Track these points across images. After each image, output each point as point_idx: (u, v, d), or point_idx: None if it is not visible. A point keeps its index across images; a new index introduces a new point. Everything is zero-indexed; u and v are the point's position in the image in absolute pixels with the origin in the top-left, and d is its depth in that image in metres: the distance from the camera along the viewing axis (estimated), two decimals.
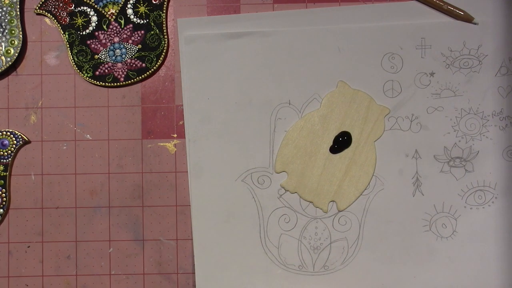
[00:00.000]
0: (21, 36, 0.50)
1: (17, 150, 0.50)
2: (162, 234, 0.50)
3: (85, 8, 0.50)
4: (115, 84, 0.50)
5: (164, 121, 0.51)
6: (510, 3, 0.50)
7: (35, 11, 0.50)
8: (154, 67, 0.50)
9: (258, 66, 0.50)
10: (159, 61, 0.50)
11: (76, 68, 0.50)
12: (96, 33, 0.50)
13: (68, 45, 0.50)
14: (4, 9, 0.50)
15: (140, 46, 0.50)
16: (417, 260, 0.49)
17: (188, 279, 0.50)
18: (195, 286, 0.49)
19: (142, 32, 0.50)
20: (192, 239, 0.50)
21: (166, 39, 0.50)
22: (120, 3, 0.50)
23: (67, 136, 0.50)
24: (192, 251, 0.50)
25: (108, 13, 0.50)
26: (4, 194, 0.50)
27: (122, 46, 0.50)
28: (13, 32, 0.50)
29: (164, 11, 0.50)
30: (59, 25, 0.50)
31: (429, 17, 0.50)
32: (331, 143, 0.50)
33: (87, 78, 0.50)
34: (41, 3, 0.50)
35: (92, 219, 0.50)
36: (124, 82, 0.50)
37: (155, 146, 0.50)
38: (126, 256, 0.50)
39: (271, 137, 0.50)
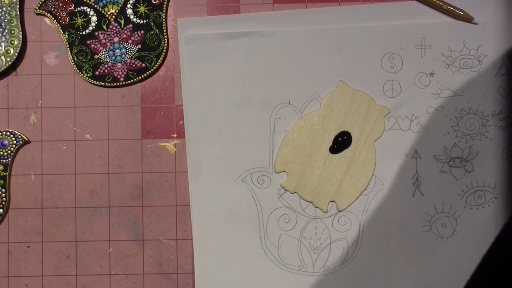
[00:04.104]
0: (21, 36, 0.50)
1: (17, 150, 0.50)
2: (162, 234, 0.50)
3: (85, 8, 0.50)
4: (115, 84, 0.50)
5: (164, 121, 0.51)
6: (510, 3, 0.50)
7: (35, 11, 0.50)
8: (154, 67, 0.50)
9: (258, 66, 0.50)
10: (159, 61, 0.50)
11: (76, 68, 0.50)
12: (96, 33, 0.50)
13: (68, 45, 0.50)
14: (4, 9, 0.50)
15: (140, 46, 0.50)
16: (417, 260, 0.49)
17: (188, 279, 0.50)
18: (194, 286, 0.49)
19: (142, 32, 0.50)
20: (192, 239, 0.50)
21: (166, 39, 0.50)
22: (120, 3, 0.50)
23: (67, 136, 0.50)
24: (192, 251, 0.50)
25: (108, 13, 0.50)
26: (4, 194, 0.50)
27: (122, 46, 0.50)
28: (13, 32, 0.50)
29: (164, 11, 0.50)
30: (59, 25, 0.50)
31: (429, 17, 0.50)
32: (331, 143, 0.50)
33: (87, 78, 0.50)
34: (41, 3, 0.50)
35: (92, 219, 0.50)
36: (124, 82, 0.50)
37: (155, 146, 0.50)
38: (126, 256, 0.50)
39: (271, 137, 0.50)
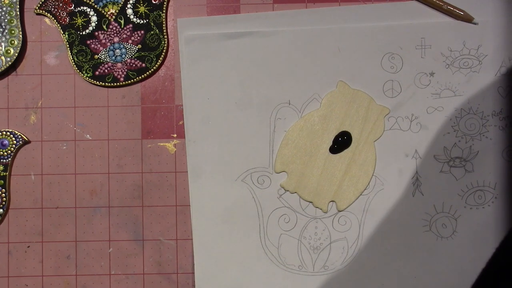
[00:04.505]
0: (21, 36, 0.50)
1: (17, 150, 0.50)
2: (162, 234, 0.50)
3: (85, 8, 0.50)
4: (115, 84, 0.50)
5: (164, 121, 0.51)
6: (510, 3, 0.50)
7: (35, 11, 0.50)
8: (154, 67, 0.50)
9: (258, 66, 0.50)
10: (159, 61, 0.50)
11: (76, 68, 0.50)
12: (96, 33, 0.50)
13: (68, 45, 0.50)
14: (4, 9, 0.50)
15: (140, 46, 0.50)
16: (417, 260, 0.49)
17: (188, 279, 0.50)
18: (194, 286, 0.49)
19: (142, 32, 0.50)
20: (192, 239, 0.50)
21: (166, 39, 0.50)
22: (120, 3, 0.50)
23: (67, 136, 0.50)
24: (192, 251, 0.50)
25: (108, 13, 0.50)
26: (4, 194, 0.50)
27: (122, 46, 0.50)
28: (13, 32, 0.50)
29: (164, 11, 0.50)
30: (59, 25, 0.50)
31: (429, 17, 0.50)
32: (331, 143, 0.50)
33: (87, 78, 0.50)
34: (41, 3, 0.50)
35: (92, 219, 0.50)
36: (124, 82, 0.50)
37: (155, 146, 0.50)
38: (126, 256, 0.50)
39: (271, 137, 0.50)
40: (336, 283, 0.49)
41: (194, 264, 0.50)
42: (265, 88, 0.50)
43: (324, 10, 0.50)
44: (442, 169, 0.50)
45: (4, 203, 0.50)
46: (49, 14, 0.50)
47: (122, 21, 0.50)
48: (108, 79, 0.50)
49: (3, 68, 0.50)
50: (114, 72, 0.50)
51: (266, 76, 0.50)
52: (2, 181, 0.50)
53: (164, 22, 0.50)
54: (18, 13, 0.50)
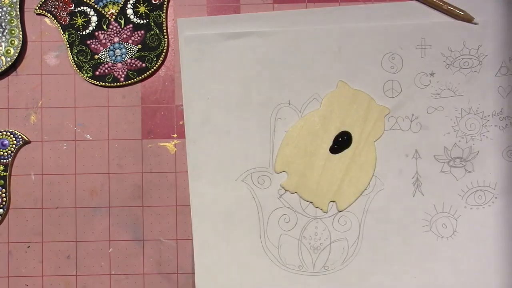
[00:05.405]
0: (21, 36, 0.50)
1: (17, 150, 0.50)
2: (162, 234, 0.50)
3: (85, 8, 0.50)
4: (115, 84, 0.50)
5: (164, 121, 0.51)
6: (510, 3, 0.50)
7: (35, 11, 0.50)
8: (154, 67, 0.50)
9: (258, 66, 0.50)
10: (159, 61, 0.50)
11: (76, 68, 0.50)
12: (96, 33, 0.50)
13: (68, 45, 0.50)
14: (4, 9, 0.50)
15: (140, 46, 0.50)
16: (417, 260, 0.49)
17: (188, 279, 0.50)
18: (194, 286, 0.49)
19: (142, 32, 0.50)
20: (192, 239, 0.50)
21: (166, 39, 0.50)
22: (120, 3, 0.50)
23: (67, 136, 0.50)
24: (192, 251, 0.50)
25: (108, 13, 0.50)
26: (4, 194, 0.50)
27: (122, 46, 0.50)
28: (13, 32, 0.50)
29: (164, 11, 0.50)
30: (59, 25, 0.50)
31: (429, 17, 0.50)
32: (331, 143, 0.50)
33: (87, 78, 0.50)
34: (41, 3, 0.50)
35: (92, 219, 0.50)
36: (124, 82, 0.50)
37: (155, 146, 0.50)
38: (126, 256, 0.50)
39: (271, 137, 0.50)
40: (336, 283, 0.49)
41: (194, 264, 0.50)
42: (265, 88, 0.50)
43: (324, 10, 0.50)
44: (442, 169, 0.50)
45: (4, 203, 0.50)
46: (49, 14, 0.50)
47: (122, 21, 0.50)
48: (108, 79, 0.50)
49: (3, 68, 0.50)
50: (114, 72, 0.50)
51: (266, 76, 0.50)
52: (2, 181, 0.50)
53: (164, 22, 0.50)
54: (18, 13, 0.50)
